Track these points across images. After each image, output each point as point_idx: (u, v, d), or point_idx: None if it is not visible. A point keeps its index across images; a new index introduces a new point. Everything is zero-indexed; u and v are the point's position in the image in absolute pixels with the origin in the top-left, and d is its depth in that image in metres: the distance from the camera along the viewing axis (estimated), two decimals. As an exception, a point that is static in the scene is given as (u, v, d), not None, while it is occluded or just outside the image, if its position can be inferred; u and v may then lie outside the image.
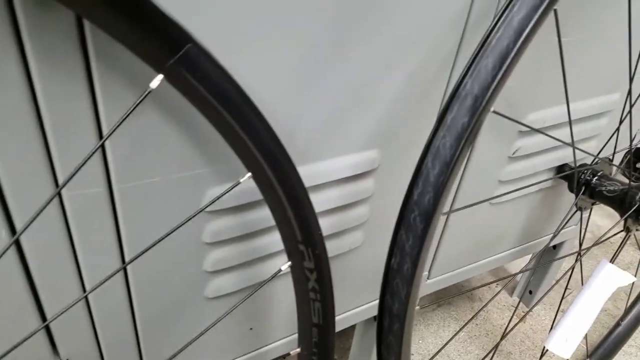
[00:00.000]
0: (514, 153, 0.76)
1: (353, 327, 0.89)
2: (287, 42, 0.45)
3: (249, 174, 0.42)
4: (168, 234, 0.43)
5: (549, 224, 0.99)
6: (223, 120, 0.38)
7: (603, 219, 1.58)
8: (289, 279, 0.53)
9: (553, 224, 1.00)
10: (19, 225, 0.42)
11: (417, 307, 0.54)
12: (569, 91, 0.74)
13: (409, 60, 0.55)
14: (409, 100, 0.58)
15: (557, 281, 1.06)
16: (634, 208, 0.79)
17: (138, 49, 0.33)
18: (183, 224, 0.44)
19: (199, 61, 0.35)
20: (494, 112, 0.47)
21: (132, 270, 0.51)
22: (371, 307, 0.81)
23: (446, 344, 1.12)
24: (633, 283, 0.81)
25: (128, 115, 0.35)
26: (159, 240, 0.43)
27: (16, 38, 0.35)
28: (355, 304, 0.80)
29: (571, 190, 0.87)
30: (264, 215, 0.55)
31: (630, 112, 0.77)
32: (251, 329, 0.68)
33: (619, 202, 0.81)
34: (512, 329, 0.94)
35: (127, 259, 0.50)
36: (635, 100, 0.84)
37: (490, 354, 1.07)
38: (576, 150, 0.80)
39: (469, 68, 0.44)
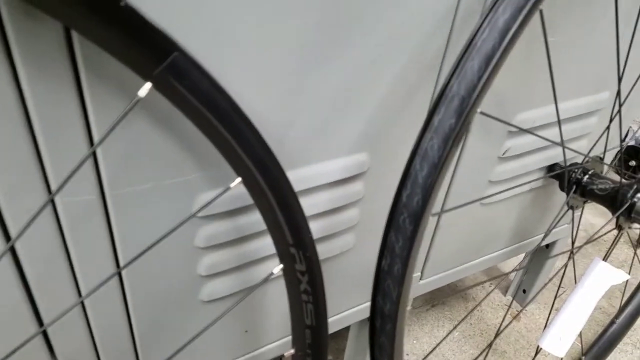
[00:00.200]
0: (504, 153, 0.76)
1: (348, 328, 0.90)
2: (274, 47, 0.46)
3: (239, 179, 0.43)
4: (160, 240, 0.43)
5: (541, 223, 1.00)
6: (212, 127, 0.38)
7: (596, 217, 1.59)
8: (283, 282, 0.53)
9: (545, 223, 1.00)
10: (13, 233, 0.43)
11: (409, 308, 0.54)
12: (558, 91, 0.75)
13: (396, 62, 0.55)
14: (397, 102, 0.59)
15: (550, 279, 1.06)
16: (626, 206, 0.80)
17: (125, 58, 0.34)
18: (175, 230, 0.44)
19: (186, 69, 0.35)
20: (481, 113, 0.48)
21: (127, 275, 0.52)
22: (365, 308, 0.82)
23: (439, 343, 1.12)
24: (627, 281, 0.82)
25: (117, 123, 0.36)
26: (152, 246, 0.43)
27: (4, 47, 0.35)
28: (349, 305, 0.80)
29: (562, 189, 0.88)
30: (256, 219, 0.55)
31: (619, 111, 0.78)
32: (246, 331, 0.68)
33: (611, 200, 0.82)
34: (505, 327, 0.94)
35: (121, 265, 0.50)
36: (625, 100, 0.85)
37: (485, 353, 1.08)
38: (567, 150, 0.81)
39: (454, 69, 0.45)
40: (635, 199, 0.78)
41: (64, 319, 0.51)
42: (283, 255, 0.49)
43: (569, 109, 0.79)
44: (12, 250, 0.44)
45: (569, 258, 0.86)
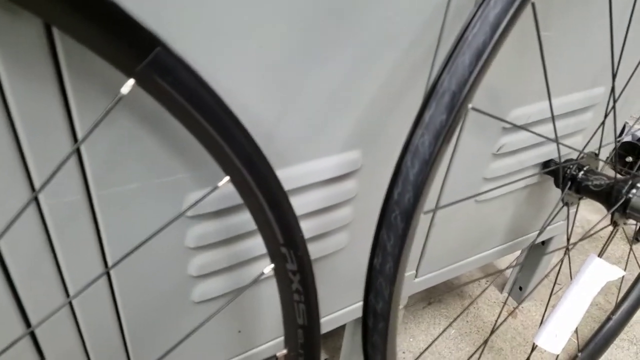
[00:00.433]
0: (498, 150, 0.76)
1: (344, 326, 0.89)
2: (263, 42, 0.45)
3: (227, 177, 0.42)
4: (148, 239, 0.42)
5: (536, 220, 0.99)
6: (197, 124, 0.37)
7: (592, 213, 1.58)
8: (275, 281, 0.53)
9: (541, 220, 1.00)
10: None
11: (401, 307, 0.54)
12: (553, 86, 0.75)
13: (388, 58, 0.55)
14: (390, 99, 0.58)
15: (546, 276, 1.06)
16: (621, 202, 0.79)
17: (106, 54, 0.33)
18: (162, 230, 0.44)
19: (170, 65, 0.34)
20: (473, 108, 0.47)
21: (117, 275, 0.51)
22: (360, 306, 0.81)
23: (435, 340, 1.12)
24: (623, 277, 0.81)
25: (100, 121, 0.35)
26: (139, 246, 0.42)
27: (-15, 45, 0.34)
28: (344, 304, 0.79)
29: (557, 185, 0.88)
30: (246, 218, 0.55)
31: (614, 107, 0.78)
32: (240, 331, 0.68)
33: (606, 196, 0.81)
34: (501, 324, 0.94)
35: (109, 264, 0.49)
36: (619, 96, 0.84)
37: (480, 350, 1.08)
38: (561, 146, 0.80)
39: (445, 64, 0.44)
40: (630, 195, 0.78)
41: (53, 319, 0.50)
42: (274, 254, 0.48)
43: (563, 105, 0.79)
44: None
45: (565, 254, 0.85)
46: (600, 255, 0.82)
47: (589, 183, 0.82)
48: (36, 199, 0.42)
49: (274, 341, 0.73)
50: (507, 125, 0.74)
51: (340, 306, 0.79)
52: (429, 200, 0.75)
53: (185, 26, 0.40)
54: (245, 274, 0.60)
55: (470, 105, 0.45)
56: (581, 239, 0.88)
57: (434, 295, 1.23)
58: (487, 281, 1.30)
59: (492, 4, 0.44)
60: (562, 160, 0.86)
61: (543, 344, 0.81)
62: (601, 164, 0.90)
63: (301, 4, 0.45)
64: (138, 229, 0.49)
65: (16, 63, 0.35)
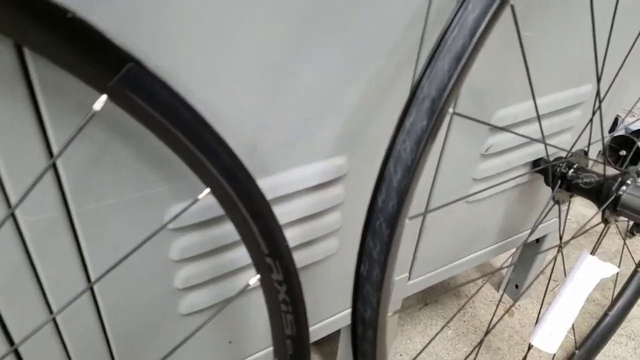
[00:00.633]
0: (486, 150, 0.75)
1: (339, 331, 0.89)
2: (241, 48, 0.45)
3: (208, 189, 0.42)
4: (129, 254, 0.42)
5: (528, 219, 0.99)
6: (173, 137, 0.37)
7: (587, 208, 1.58)
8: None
9: (533, 218, 0.99)
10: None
11: (390, 314, 0.53)
12: (537, 85, 0.74)
13: (370, 63, 0.54)
14: (373, 104, 0.58)
15: (540, 273, 1.05)
16: (611, 199, 0.79)
17: (77, 71, 0.32)
18: (144, 244, 0.43)
19: (143, 79, 0.34)
20: (455, 113, 0.47)
21: (100, 290, 0.51)
22: (353, 312, 0.81)
23: (431, 340, 1.12)
24: (618, 273, 0.81)
25: (74, 138, 0.34)
26: (120, 261, 0.42)
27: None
28: (337, 310, 0.79)
29: (547, 184, 0.87)
30: (231, 229, 0.54)
31: (600, 107, 0.77)
32: (230, 342, 0.67)
33: (596, 193, 0.81)
34: (497, 322, 0.94)
35: (92, 280, 0.49)
36: (606, 93, 0.84)
37: (477, 349, 1.07)
38: (549, 145, 0.80)
39: (425, 70, 0.44)
40: (620, 192, 0.77)
41: (37, 336, 0.49)
42: (259, 265, 0.48)
43: (550, 103, 0.78)
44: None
45: (558, 252, 0.85)
46: (595, 251, 0.82)
47: (579, 181, 0.82)
48: (13, 216, 0.41)
49: (266, 350, 0.72)
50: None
51: (334, 312, 0.79)
52: (420, 202, 0.75)
53: (159, 37, 0.40)
54: (233, 284, 0.60)
55: (451, 110, 0.45)
56: (573, 237, 0.87)
57: (431, 296, 1.23)
58: (483, 280, 1.30)
59: (471, 7, 0.43)
60: (552, 158, 0.85)
61: (539, 343, 0.80)
62: (591, 162, 0.89)
63: (280, 11, 0.45)
64: (120, 243, 0.48)
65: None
